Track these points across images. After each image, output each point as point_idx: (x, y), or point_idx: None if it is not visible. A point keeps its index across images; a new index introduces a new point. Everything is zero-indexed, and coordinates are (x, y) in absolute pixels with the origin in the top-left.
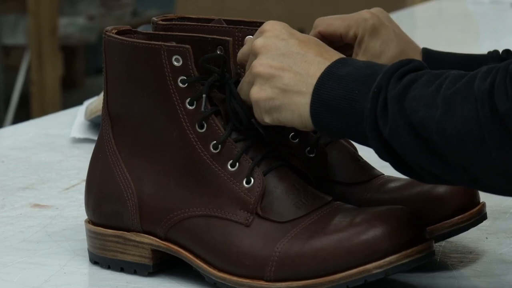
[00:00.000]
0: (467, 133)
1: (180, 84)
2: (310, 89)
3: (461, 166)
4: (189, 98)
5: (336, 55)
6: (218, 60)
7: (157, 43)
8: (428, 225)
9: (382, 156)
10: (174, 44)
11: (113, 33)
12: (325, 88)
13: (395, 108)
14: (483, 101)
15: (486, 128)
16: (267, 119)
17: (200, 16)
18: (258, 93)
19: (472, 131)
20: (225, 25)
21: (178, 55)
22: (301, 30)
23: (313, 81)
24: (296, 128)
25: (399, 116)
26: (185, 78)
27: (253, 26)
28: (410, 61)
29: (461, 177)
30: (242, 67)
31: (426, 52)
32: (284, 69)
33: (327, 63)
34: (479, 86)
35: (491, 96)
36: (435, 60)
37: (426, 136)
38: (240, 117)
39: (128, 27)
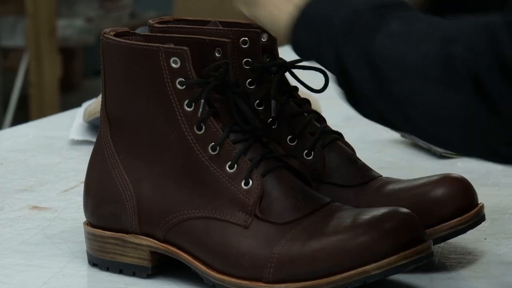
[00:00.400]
0: (429, 68)
1: (178, 86)
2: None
3: (407, 102)
4: (187, 100)
5: None
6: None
7: (155, 45)
8: (426, 227)
9: (339, 82)
10: (172, 46)
11: (111, 35)
12: (311, 7)
13: (361, 33)
14: (473, 63)
15: (463, 82)
16: (244, 10)
17: (197, 18)
18: None
19: (438, 71)
20: (220, 27)
21: (176, 57)
22: None
23: None
24: (266, 29)
25: (361, 41)
26: (183, 80)
27: (250, 28)
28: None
29: (400, 115)
30: None
31: None
32: None
33: None
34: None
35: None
36: None
37: (377, 65)
38: (244, 117)
39: (126, 29)
